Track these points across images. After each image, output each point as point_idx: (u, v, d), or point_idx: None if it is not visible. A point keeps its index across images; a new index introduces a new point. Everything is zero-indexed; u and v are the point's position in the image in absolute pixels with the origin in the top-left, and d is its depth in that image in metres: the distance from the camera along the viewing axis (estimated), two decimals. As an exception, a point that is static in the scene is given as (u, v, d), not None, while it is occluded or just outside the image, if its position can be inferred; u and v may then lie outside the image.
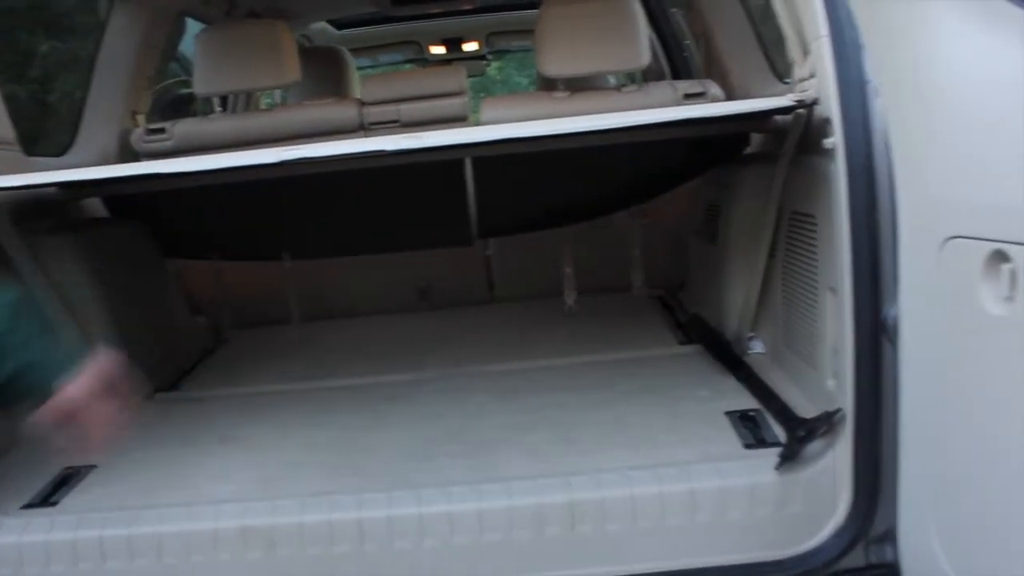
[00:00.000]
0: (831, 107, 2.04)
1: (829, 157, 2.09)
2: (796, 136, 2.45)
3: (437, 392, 2.88)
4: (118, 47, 3.82)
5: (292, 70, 3.60)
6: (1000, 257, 1.46)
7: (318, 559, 2.09)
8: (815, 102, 2.22)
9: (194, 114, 4.74)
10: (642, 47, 3.31)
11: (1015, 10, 1.50)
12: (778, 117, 2.85)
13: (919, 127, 1.71)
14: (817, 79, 2.19)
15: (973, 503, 1.62)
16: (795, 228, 2.54)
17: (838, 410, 2.07)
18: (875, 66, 1.93)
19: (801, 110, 2.34)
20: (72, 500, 2.33)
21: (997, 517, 1.53)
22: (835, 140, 2.03)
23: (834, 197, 2.05)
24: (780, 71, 3.62)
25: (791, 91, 2.43)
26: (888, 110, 1.83)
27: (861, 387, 1.98)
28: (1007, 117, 1.48)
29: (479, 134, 2.54)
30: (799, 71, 2.37)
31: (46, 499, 2.34)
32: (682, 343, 3.19)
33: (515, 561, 2.07)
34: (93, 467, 2.50)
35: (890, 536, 1.98)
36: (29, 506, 2.30)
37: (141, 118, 3.92)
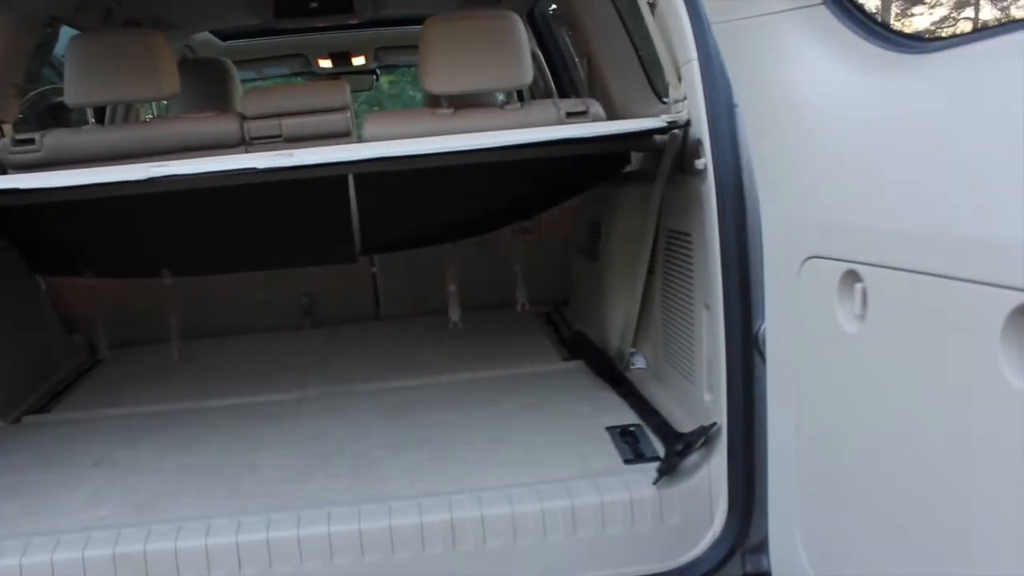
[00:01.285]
0: (702, 128, 2.11)
1: (701, 177, 2.16)
2: (672, 155, 2.52)
3: (319, 411, 2.85)
4: None
5: (171, 82, 3.51)
6: (853, 277, 1.53)
7: None
8: (688, 123, 2.29)
9: (69, 125, 4.57)
10: (524, 66, 3.34)
11: (864, 44, 1.58)
12: (658, 137, 2.93)
13: (777, 150, 1.78)
14: (689, 101, 2.27)
15: (833, 514, 1.68)
16: (672, 246, 2.61)
17: (713, 424, 2.13)
18: (737, 91, 2.00)
19: (676, 130, 2.41)
20: None
21: (855, 527, 1.60)
22: (705, 160, 2.10)
23: (706, 216, 2.12)
24: (660, 91, 3.72)
25: (668, 111, 2.50)
26: (750, 134, 1.91)
27: (734, 401, 2.05)
28: (857, 143, 1.56)
29: (355, 152, 2.53)
30: (674, 93, 2.45)
31: None
32: (565, 359, 3.23)
33: None
34: None
35: (765, 546, 2.05)
36: None
37: (8, 127, 3.75)
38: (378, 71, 6.53)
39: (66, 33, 4.42)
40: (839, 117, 1.61)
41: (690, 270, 2.44)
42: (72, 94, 3.46)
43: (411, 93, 14.95)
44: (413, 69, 8.71)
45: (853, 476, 1.59)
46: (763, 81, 1.75)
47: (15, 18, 3.64)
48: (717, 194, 2.03)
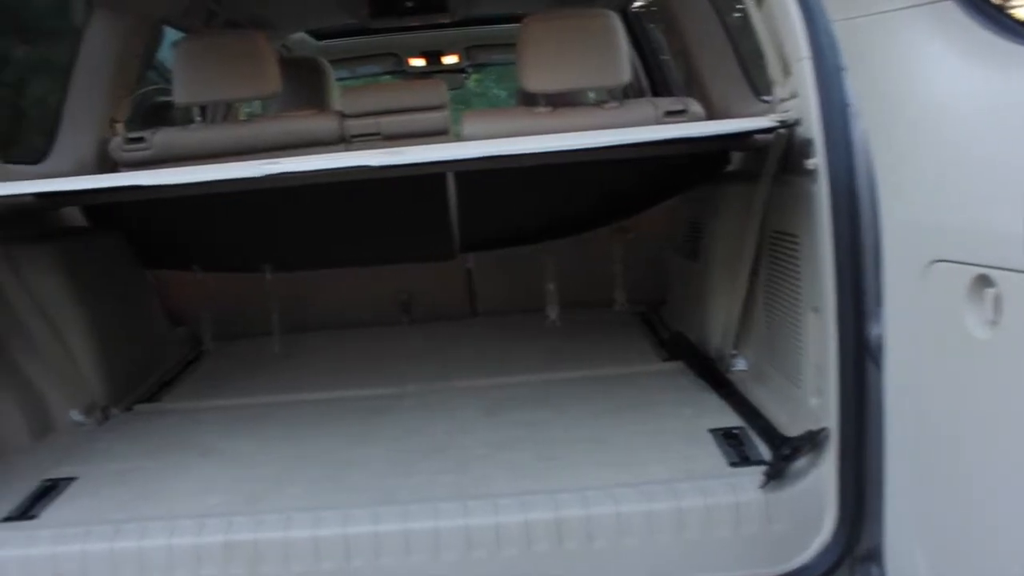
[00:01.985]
0: (813, 128, 2.07)
1: (811, 177, 2.12)
2: (777, 156, 2.48)
3: (419, 407, 2.88)
4: (96, 54, 3.79)
5: (273, 81, 3.59)
6: (984, 281, 1.48)
7: (303, 575, 2.08)
8: (796, 123, 2.25)
9: (171, 122, 4.71)
10: (623, 63, 3.33)
11: (996, 39, 1.54)
12: (759, 136, 2.88)
13: (902, 151, 1.73)
14: (799, 100, 2.22)
15: (958, 524, 1.64)
16: (777, 247, 2.57)
17: (822, 429, 2.09)
18: (857, 89, 1.96)
19: (783, 130, 2.37)
20: (52, 513, 2.30)
21: (981, 538, 1.56)
22: (817, 161, 2.06)
23: (817, 217, 2.08)
24: (759, 88, 3.67)
25: (771, 110, 2.46)
26: (871, 133, 1.86)
27: (845, 406, 2.00)
28: (989, 143, 1.51)
29: (463, 151, 2.54)
30: (780, 91, 2.40)
31: (25, 512, 2.31)
32: (664, 360, 3.20)
33: None
34: (73, 479, 2.47)
35: (876, 555, 2.00)
36: (8, 519, 2.27)
37: (120, 126, 3.89)
38: (469, 69, 6.57)
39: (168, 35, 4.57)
40: (968, 115, 1.56)
41: (797, 272, 2.40)
42: (180, 93, 3.57)
43: (496, 91, 15.01)
44: (498, 67, 8.78)
45: (980, 487, 1.54)
46: (887, 79, 1.71)
47: (129, 22, 3.77)
48: (831, 195, 1.98)
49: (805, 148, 2.16)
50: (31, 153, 3.71)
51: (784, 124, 2.27)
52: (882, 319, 1.85)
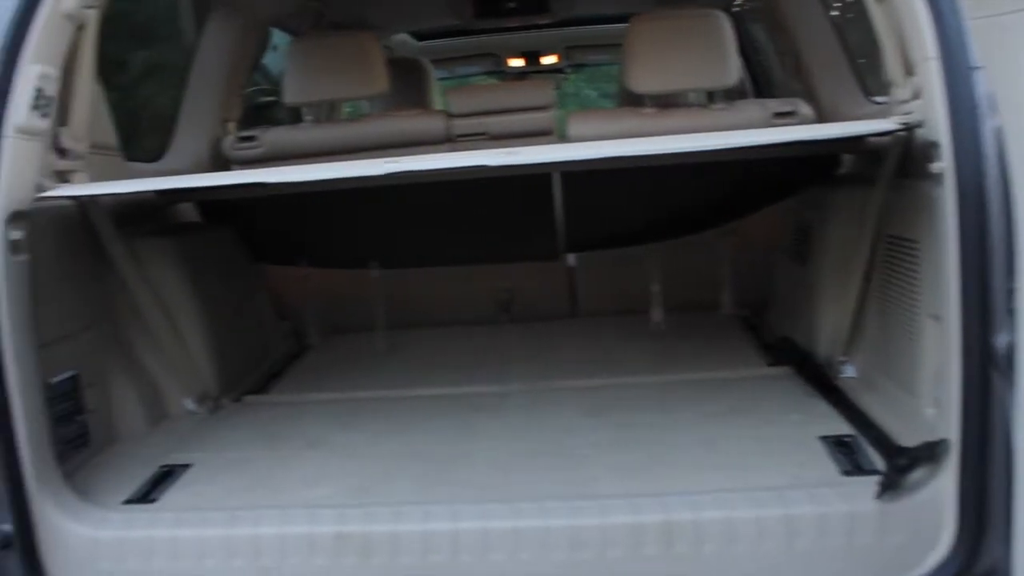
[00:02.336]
0: (939, 130, 2.00)
1: (935, 181, 2.05)
2: (895, 159, 2.42)
3: (523, 406, 2.89)
4: (211, 56, 3.92)
5: (381, 80, 3.66)
6: None
7: (412, 569, 2.10)
8: (919, 125, 2.18)
9: (272, 122, 4.83)
10: (732, 65, 3.30)
11: None
12: (872, 139, 2.81)
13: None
14: (922, 101, 2.16)
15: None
16: (893, 252, 2.51)
17: (942, 440, 2.03)
18: (994, 89, 1.89)
19: (902, 133, 2.31)
20: (171, 498, 2.38)
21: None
22: (944, 165, 1.99)
23: (941, 222, 2.02)
24: (870, 89, 3.58)
25: (886, 111, 2.40)
26: (1009, 136, 1.80)
27: (968, 417, 1.94)
28: None
29: (581, 152, 2.54)
30: (900, 92, 2.33)
31: (146, 496, 2.40)
32: (770, 365, 3.16)
33: None
34: (188, 466, 2.56)
35: (996, 573, 1.94)
36: (129, 502, 2.36)
37: (232, 125, 4.01)
38: (567, 70, 6.57)
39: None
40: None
41: (915, 278, 2.33)
42: (291, 93, 3.66)
43: (587, 91, 14.98)
44: (590, 67, 8.75)
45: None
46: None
47: (242, 25, 3.88)
48: (959, 199, 1.92)
49: (928, 151, 2.10)
50: (147, 152, 3.86)
51: (907, 126, 2.21)
52: (1016, 327, 1.78)
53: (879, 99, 3.37)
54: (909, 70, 2.26)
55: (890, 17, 2.31)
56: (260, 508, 2.25)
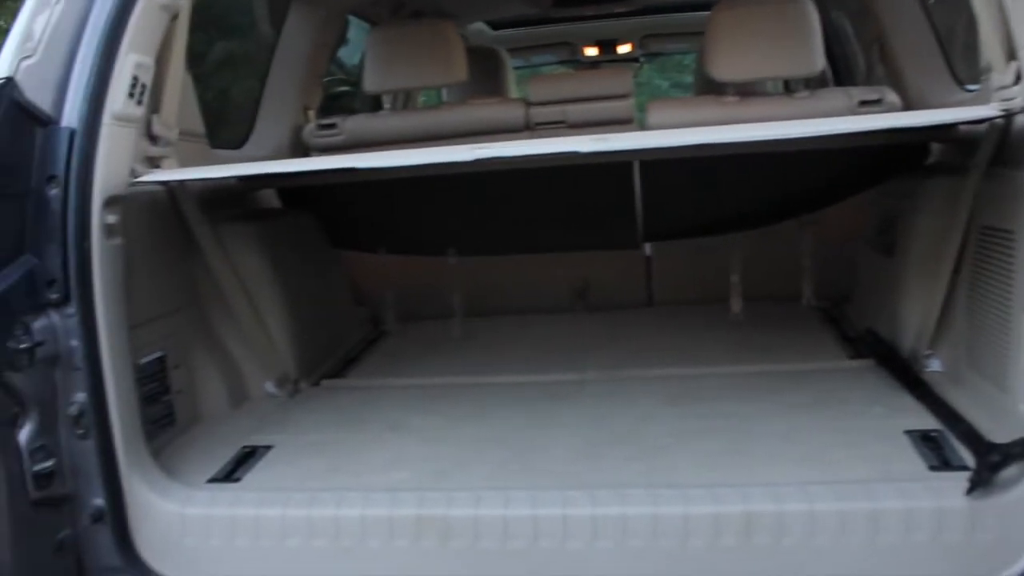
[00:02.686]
0: None
1: None
2: (991, 146, 2.35)
3: (601, 394, 2.88)
4: (292, 45, 3.98)
5: (460, 69, 3.67)
6: None
7: (491, 553, 2.11)
8: (1022, 111, 2.12)
9: (349, 111, 4.89)
10: (817, 52, 3.23)
11: None
12: (964, 128, 2.73)
13: None
14: (1022, 86, 2.09)
15: None
16: (987, 244, 2.43)
17: None
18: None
19: (999, 120, 2.24)
20: (253, 477, 2.43)
21: None
22: None
23: None
24: (961, 77, 3.48)
25: (983, 98, 2.33)
26: None
27: None
28: None
29: (669, 139, 2.51)
30: (999, 77, 2.26)
31: (229, 475, 2.45)
32: (852, 357, 3.09)
33: (689, 569, 2.05)
34: (270, 447, 2.61)
35: None
36: (214, 480, 2.42)
37: (312, 113, 4.07)
38: (642, 59, 6.52)
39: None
40: None
41: (1010, 270, 2.26)
42: (371, 81, 3.70)
43: (658, 82, 14.83)
44: (662, 57, 8.64)
45: None
46: None
47: (323, 14, 3.93)
48: None
49: None
50: (229, 140, 3.94)
51: (1008, 112, 2.14)
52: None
53: (970, 87, 3.28)
54: (1011, 54, 2.19)
55: (992, 1, 2.24)
56: (341, 490, 2.28)
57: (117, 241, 2.28)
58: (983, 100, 2.40)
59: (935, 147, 3.21)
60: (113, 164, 2.27)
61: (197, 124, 3.10)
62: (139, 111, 2.38)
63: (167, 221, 2.76)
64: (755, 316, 3.27)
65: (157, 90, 2.53)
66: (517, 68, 6.42)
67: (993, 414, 2.30)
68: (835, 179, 3.25)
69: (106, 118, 2.24)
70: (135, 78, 2.31)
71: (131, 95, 2.31)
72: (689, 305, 3.79)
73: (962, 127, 2.73)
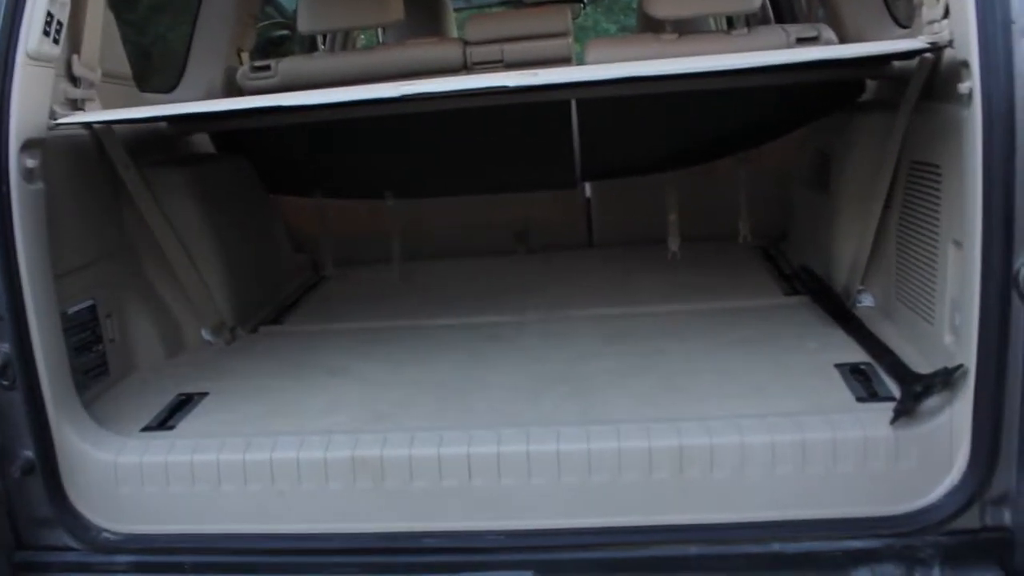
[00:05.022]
0: (969, 49, 1.94)
1: (962, 103, 2.00)
2: (921, 81, 2.36)
3: (539, 335, 2.89)
4: None
5: (396, 8, 3.59)
6: None
7: (426, 492, 2.12)
8: (949, 44, 2.12)
9: (282, 55, 4.77)
10: None
11: None
12: (897, 63, 2.75)
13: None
14: (950, 20, 2.10)
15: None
16: (916, 178, 2.46)
17: (959, 366, 2.01)
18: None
19: (929, 54, 2.25)
20: (188, 425, 2.41)
21: None
22: (971, 85, 1.94)
23: (965, 145, 1.97)
24: (898, 16, 3.48)
25: (917, 34, 2.33)
26: None
27: (986, 343, 1.92)
28: None
29: (601, 72, 2.48)
30: (929, 12, 2.26)
31: (163, 423, 2.43)
32: (787, 294, 3.14)
33: (622, 503, 2.08)
34: (205, 394, 2.58)
35: (1008, 499, 1.94)
36: (148, 429, 2.39)
37: (245, 56, 3.96)
38: (585, 1, 6.44)
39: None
40: None
41: (937, 204, 2.29)
42: (305, 21, 3.60)
43: (605, 26, 14.71)
44: (607, 1, 8.50)
45: None
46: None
47: None
48: (984, 121, 1.87)
49: (957, 72, 2.04)
50: (159, 84, 3.83)
51: (935, 46, 2.14)
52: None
53: (907, 25, 3.28)
54: None
55: None
56: (276, 434, 2.27)
57: (38, 186, 2.21)
58: (916, 35, 2.40)
59: (870, 85, 3.23)
60: (29, 105, 2.19)
61: (122, 66, 3.01)
62: (56, 50, 2.29)
63: (94, 166, 2.68)
64: (693, 255, 3.30)
65: (76, 29, 2.44)
66: (458, 9, 6.32)
67: (920, 347, 2.35)
68: (771, 116, 3.26)
69: (19, 57, 2.15)
70: (49, 14, 2.22)
71: (46, 33, 2.22)
72: (629, 246, 3.80)
73: (896, 64, 2.74)
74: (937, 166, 2.28)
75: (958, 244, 2.10)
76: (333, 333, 3.10)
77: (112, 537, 2.23)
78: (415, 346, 2.87)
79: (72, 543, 2.23)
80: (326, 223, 3.83)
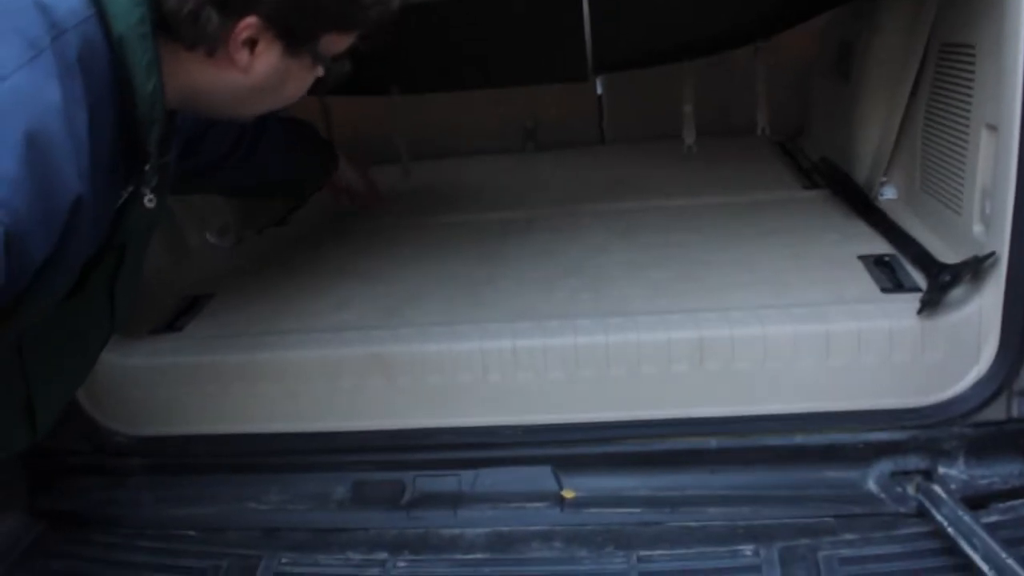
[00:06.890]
0: None
1: None
2: None
3: (552, 230, 2.82)
4: None
5: None
6: None
7: (440, 388, 2.09)
8: None
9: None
10: None
11: None
12: None
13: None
14: None
15: None
16: (947, 61, 2.35)
17: (991, 254, 1.94)
18: None
19: None
20: (196, 326, 2.37)
21: None
22: None
23: (1005, 21, 1.87)
24: None
25: None
26: None
27: (1020, 230, 1.85)
28: None
29: None
30: None
31: (171, 324, 2.39)
32: (806, 188, 3.05)
33: (641, 396, 2.04)
34: (212, 295, 2.54)
35: None
36: (155, 331, 2.35)
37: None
38: None
39: None
40: None
41: (969, 87, 2.19)
42: None
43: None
44: None
45: None
46: None
47: None
48: None
49: None
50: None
51: None
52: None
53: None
54: None
55: None
56: (285, 332, 2.23)
57: None
58: None
59: None
60: None
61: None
62: None
63: None
64: (709, 149, 3.19)
65: None
66: None
67: (947, 237, 2.28)
68: (791, 1, 3.11)
69: None
70: None
71: None
72: (640, 141, 3.70)
73: None
74: (971, 46, 2.16)
75: (992, 128, 2.01)
76: (341, 233, 3.04)
77: (124, 440, 2.21)
78: (424, 244, 2.81)
79: (84, 447, 2.21)
80: (332, 123, 3.73)
